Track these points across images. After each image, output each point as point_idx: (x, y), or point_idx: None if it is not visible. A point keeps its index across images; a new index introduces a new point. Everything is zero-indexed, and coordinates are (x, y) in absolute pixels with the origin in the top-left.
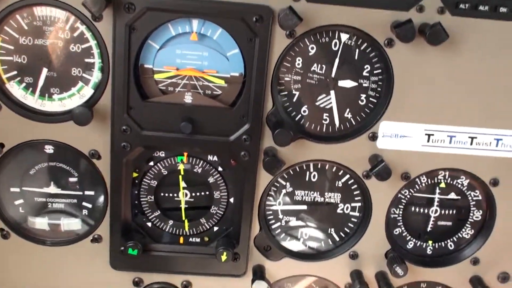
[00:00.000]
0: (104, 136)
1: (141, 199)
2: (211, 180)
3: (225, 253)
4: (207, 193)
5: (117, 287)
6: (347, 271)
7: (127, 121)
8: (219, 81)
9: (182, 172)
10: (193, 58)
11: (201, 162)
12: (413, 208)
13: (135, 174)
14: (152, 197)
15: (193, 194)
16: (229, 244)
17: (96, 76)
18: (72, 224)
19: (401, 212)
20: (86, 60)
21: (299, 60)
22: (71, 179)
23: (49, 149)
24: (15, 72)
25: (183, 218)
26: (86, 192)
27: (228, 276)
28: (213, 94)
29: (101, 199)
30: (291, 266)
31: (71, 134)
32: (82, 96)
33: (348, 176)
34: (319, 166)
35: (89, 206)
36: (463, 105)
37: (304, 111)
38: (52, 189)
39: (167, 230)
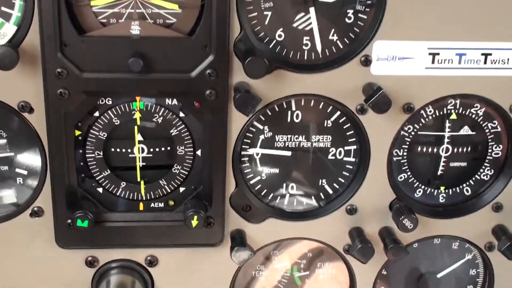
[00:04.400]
0: (35, 83)
1: (88, 158)
2: (173, 132)
3: (195, 217)
4: (169, 148)
5: (67, 269)
6: (345, 230)
7: (61, 62)
8: (171, 6)
9: (138, 122)
10: None
11: (160, 108)
12: (419, 148)
13: (77, 132)
14: (101, 153)
15: (151, 150)
16: (199, 207)
17: (18, 9)
18: (5, 196)
19: (405, 154)
20: None
21: None
22: None
23: None
24: None
25: (138, 180)
26: (19, 156)
27: (202, 246)
28: (166, 23)
29: (38, 162)
30: (277, 229)
31: None
32: (3, 35)
33: (338, 112)
34: (302, 103)
35: (24, 172)
36: (474, 14)
37: (280, 35)
38: None
39: (120, 194)
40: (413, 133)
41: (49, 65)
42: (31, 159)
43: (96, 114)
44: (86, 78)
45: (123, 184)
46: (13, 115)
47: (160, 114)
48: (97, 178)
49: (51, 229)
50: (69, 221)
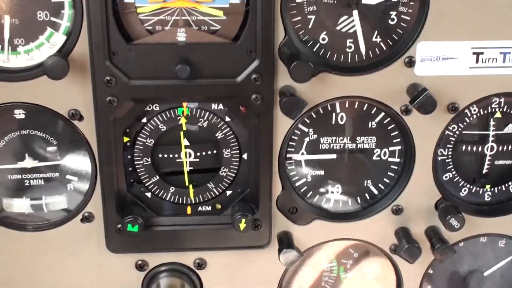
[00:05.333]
0: (84, 92)
1: (136, 164)
2: (219, 135)
3: (243, 220)
4: (215, 152)
5: (117, 273)
6: (391, 230)
7: (110, 70)
8: (216, 12)
9: (184, 128)
10: None
11: (205, 113)
12: (464, 147)
13: (126, 139)
14: (149, 159)
15: (198, 154)
16: (247, 209)
17: (67, 18)
18: (56, 203)
19: (450, 153)
20: None
21: None
22: (50, 148)
23: (19, 114)
24: None
25: (187, 184)
26: (69, 163)
27: (249, 248)
28: (211, 30)
29: (89, 169)
30: (323, 230)
31: (44, 93)
32: (53, 45)
33: (383, 113)
34: (347, 105)
35: (75, 179)
36: None
37: (323, 39)
38: (28, 162)
39: (169, 199)
40: (457, 132)
41: (98, 73)
42: (81, 165)
43: (144, 120)
44: (134, 85)
45: (172, 189)
46: (63, 123)
47: (205, 118)
48: (146, 184)
49: (101, 234)
50: (119, 226)
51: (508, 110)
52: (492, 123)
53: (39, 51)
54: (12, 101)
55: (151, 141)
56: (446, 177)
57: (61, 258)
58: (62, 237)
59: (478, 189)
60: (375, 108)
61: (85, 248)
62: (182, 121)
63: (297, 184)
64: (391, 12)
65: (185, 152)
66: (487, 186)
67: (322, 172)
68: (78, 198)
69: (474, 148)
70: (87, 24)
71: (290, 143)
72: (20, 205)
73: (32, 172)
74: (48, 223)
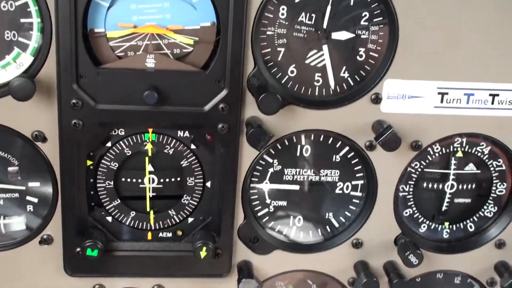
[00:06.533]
0: (49, 114)
1: (98, 187)
2: (184, 163)
3: (204, 248)
4: (179, 179)
5: None
6: (350, 263)
7: (77, 93)
8: (186, 41)
9: (149, 153)
10: (152, 12)
11: (171, 140)
12: (425, 184)
13: (89, 162)
14: (112, 183)
15: (161, 180)
16: (208, 238)
17: (35, 39)
18: (14, 223)
19: (411, 190)
20: (22, 20)
21: (283, 9)
22: (11, 169)
23: None
24: None
25: (148, 209)
26: (30, 184)
27: (209, 276)
28: (183, 52)
29: (49, 191)
30: (283, 261)
31: (8, 113)
32: (20, 65)
33: (347, 148)
34: (312, 138)
35: (35, 200)
36: (482, 56)
37: (292, 72)
38: None
39: (129, 224)
40: (419, 169)
41: (64, 96)
42: (42, 187)
43: (109, 144)
44: (101, 109)
45: (133, 213)
46: (26, 144)
47: (171, 145)
48: (107, 208)
49: (60, 257)
50: (78, 249)
51: (469, 150)
52: (453, 162)
53: (5, 70)
54: None
55: (115, 165)
56: (406, 213)
57: (18, 279)
58: (20, 259)
59: (437, 226)
60: (340, 142)
61: (42, 270)
62: (148, 146)
63: (259, 214)
64: (360, 49)
65: (149, 178)
66: (446, 224)
67: (284, 203)
68: (37, 220)
69: (435, 186)
70: (56, 46)
71: (254, 173)
72: None
73: None
74: (6, 244)
